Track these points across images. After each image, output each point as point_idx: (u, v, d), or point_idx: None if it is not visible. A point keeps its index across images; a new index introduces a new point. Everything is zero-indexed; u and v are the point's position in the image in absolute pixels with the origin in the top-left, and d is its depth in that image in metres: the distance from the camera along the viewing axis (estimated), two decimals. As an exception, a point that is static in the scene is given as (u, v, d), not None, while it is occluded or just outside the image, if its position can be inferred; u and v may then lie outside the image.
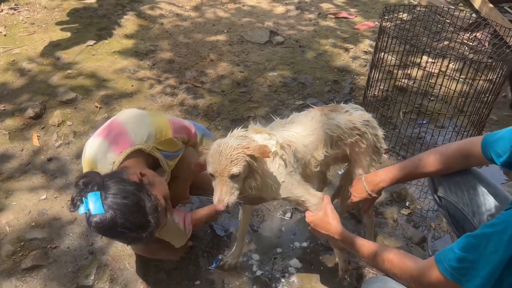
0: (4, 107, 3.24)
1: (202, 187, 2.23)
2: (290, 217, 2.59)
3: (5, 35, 4.11)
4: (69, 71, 3.67)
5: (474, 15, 4.67)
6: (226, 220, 2.57)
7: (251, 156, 1.68)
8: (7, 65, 3.67)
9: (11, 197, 2.60)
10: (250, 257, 2.36)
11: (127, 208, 1.59)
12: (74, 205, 1.60)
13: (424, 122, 3.34)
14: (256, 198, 1.93)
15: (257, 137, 1.81)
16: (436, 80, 3.10)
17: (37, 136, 3.02)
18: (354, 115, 2.04)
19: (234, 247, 2.29)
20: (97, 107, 3.26)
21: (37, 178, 2.74)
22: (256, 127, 1.87)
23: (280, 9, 5.21)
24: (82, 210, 1.58)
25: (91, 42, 4.04)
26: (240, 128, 1.79)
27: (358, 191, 1.99)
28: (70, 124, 3.12)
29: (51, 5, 4.64)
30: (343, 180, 2.35)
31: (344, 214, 2.40)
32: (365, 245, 1.66)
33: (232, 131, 1.78)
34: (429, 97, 3.58)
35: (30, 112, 3.14)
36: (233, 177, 1.67)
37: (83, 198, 1.57)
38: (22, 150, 2.92)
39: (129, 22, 4.39)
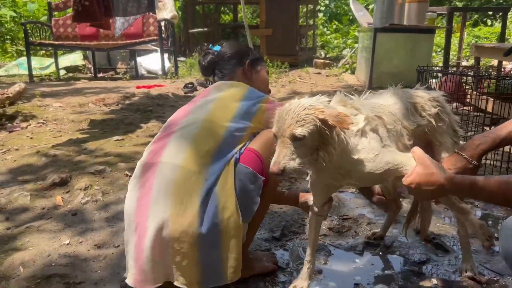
0: (26, 178, 3.00)
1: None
2: (362, 251, 2.15)
3: (31, 138, 4.08)
4: (95, 154, 3.53)
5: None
6: (288, 253, 2.13)
7: (324, 122, 1.45)
8: (32, 154, 3.54)
9: (28, 243, 2.19)
10: (325, 284, 1.88)
11: None
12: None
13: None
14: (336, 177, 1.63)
15: (340, 108, 1.59)
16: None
17: (61, 197, 2.71)
18: (428, 91, 1.89)
19: (302, 269, 1.83)
20: (127, 175, 3.02)
21: (59, 227, 2.36)
22: (344, 98, 1.68)
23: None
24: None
25: (118, 137, 4.00)
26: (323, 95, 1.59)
27: (454, 161, 1.68)
28: (98, 188, 2.84)
29: (78, 119, 4.73)
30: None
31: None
32: (489, 178, 1.33)
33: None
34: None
35: (55, 178, 2.88)
36: (295, 139, 1.44)
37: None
38: (43, 208, 2.59)
39: (154, 127, 4.42)
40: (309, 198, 1.85)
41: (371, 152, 1.57)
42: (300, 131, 1.43)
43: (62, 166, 3.23)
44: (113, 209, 2.56)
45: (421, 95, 1.83)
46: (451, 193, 1.43)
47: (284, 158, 1.44)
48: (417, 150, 1.52)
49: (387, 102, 1.76)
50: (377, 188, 1.99)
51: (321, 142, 1.50)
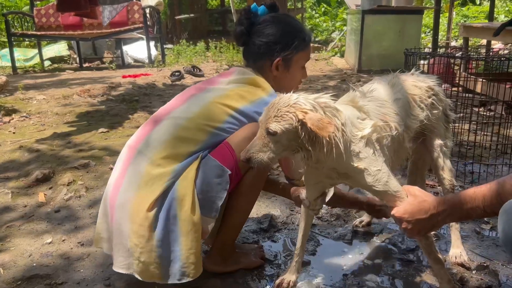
0: (8, 175, 2.93)
1: None
2: (350, 239, 2.12)
3: (14, 133, 3.98)
4: (80, 148, 3.45)
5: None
6: (276, 245, 2.09)
7: (302, 124, 1.36)
8: (15, 149, 3.45)
9: (8, 243, 2.13)
10: (314, 276, 1.85)
11: None
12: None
13: (469, 162, 3.06)
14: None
15: (347, 110, 1.49)
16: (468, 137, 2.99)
17: (44, 194, 2.65)
18: (422, 77, 1.83)
19: (291, 262, 1.80)
20: (112, 168, 2.95)
21: (41, 226, 2.30)
22: (356, 98, 1.57)
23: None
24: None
25: (103, 130, 3.92)
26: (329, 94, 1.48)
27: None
28: (81, 183, 2.78)
29: (63, 111, 4.64)
30: (413, 168, 2.02)
31: None
32: (479, 191, 1.24)
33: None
34: (466, 146, 3.38)
35: (38, 174, 2.81)
36: (269, 133, 1.38)
37: None
38: (25, 206, 2.52)
39: (141, 118, 4.34)
40: (302, 191, 1.79)
41: (373, 165, 1.49)
42: (273, 126, 1.37)
43: (45, 161, 3.16)
44: (98, 204, 2.48)
45: (419, 86, 1.77)
46: (445, 217, 1.33)
47: (254, 148, 1.41)
48: (405, 185, 1.51)
49: (390, 97, 1.67)
50: None
51: (300, 143, 1.42)
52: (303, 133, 1.37)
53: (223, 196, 1.60)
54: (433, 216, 1.33)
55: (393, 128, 1.59)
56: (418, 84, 1.78)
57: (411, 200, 1.42)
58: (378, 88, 1.70)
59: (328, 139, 1.36)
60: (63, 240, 2.15)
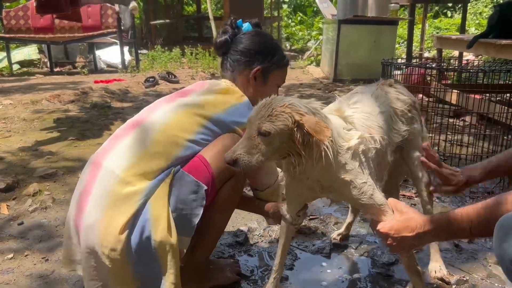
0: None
1: None
2: (329, 253, 2.06)
3: (-23, 140, 3.79)
4: (47, 156, 3.30)
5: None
6: (252, 259, 2.01)
7: (299, 126, 1.30)
8: (-23, 157, 3.28)
9: (-35, 260, 1.99)
10: (291, 292, 1.78)
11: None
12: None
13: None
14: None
15: (333, 118, 1.46)
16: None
17: (7, 205, 2.50)
18: (403, 90, 1.80)
19: (269, 278, 1.72)
20: (80, 178, 2.83)
21: (2, 239, 2.16)
22: (343, 108, 1.54)
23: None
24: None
25: (73, 137, 3.77)
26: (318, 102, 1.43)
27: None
28: (48, 194, 2.64)
29: (30, 117, 4.45)
30: (389, 179, 1.98)
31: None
32: (466, 213, 1.20)
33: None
34: (441, 157, 3.39)
35: (0, 184, 2.66)
36: (261, 134, 1.31)
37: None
38: (-15, 219, 2.37)
39: (112, 125, 4.21)
40: (281, 207, 1.71)
41: (359, 177, 1.45)
42: (267, 126, 1.30)
43: (10, 170, 2.99)
44: (64, 217, 2.36)
45: (401, 99, 1.74)
46: (431, 237, 1.32)
47: (241, 149, 1.32)
48: (391, 200, 1.47)
49: (375, 110, 1.63)
50: None
51: (291, 147, 1.35)
52: (298, 136, 1.31)
53: (199, 213, 1.50)
54: (419, 235, 1.29)
55: (377, 141, 1.55)
56: (400, 97, 1.75)
57: (398, 216, 1.38)
58: (362, 99, 1.66)
59: (324, 143, 1.31)
60: (26, 255, 2.02)
